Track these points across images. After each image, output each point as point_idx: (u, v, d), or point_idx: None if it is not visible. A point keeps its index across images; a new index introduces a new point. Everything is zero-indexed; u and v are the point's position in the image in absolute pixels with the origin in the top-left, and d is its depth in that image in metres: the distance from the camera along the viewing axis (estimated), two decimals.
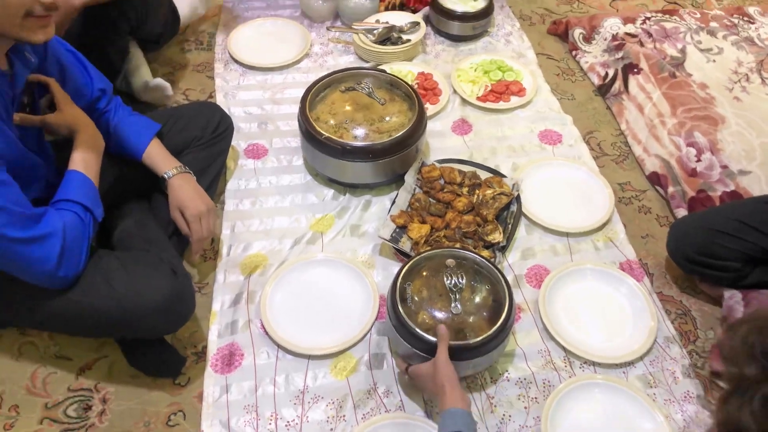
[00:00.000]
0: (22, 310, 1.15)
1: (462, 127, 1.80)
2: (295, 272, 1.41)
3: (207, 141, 1.48)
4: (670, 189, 1.61)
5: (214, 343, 1.29)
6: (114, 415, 1.20)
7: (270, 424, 1.18)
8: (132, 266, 1.15)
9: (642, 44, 1.97)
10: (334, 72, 1.66)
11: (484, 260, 1.28)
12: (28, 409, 1.20)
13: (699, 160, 1.62)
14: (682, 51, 1.95)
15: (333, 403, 1.21)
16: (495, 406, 1.22)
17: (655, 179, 1.66)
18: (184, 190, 1.30)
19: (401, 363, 1.19)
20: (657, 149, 1.69)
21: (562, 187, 1.62)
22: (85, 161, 1.15)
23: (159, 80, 1.73)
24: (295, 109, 1.61)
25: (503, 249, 1.46)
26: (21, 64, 1.07)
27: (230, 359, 1.27)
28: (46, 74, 1.17)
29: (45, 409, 1.20)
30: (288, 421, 1.19)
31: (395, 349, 1.26)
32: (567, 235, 1.52)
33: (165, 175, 1.30)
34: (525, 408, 1.22)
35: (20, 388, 1.23)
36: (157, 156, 1.31)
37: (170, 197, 1.30)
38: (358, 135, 1.54)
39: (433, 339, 1.15)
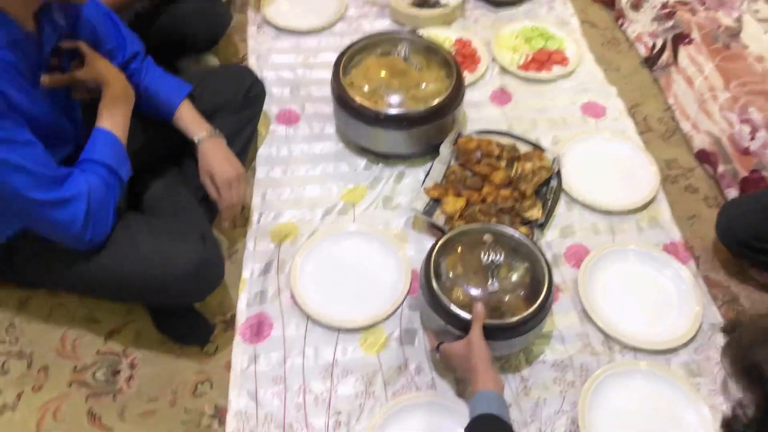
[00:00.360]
0: (49, 271, 1.14)
1: (501, 97, 1.72)
2: (326, 243, 1.37)
3: (238, 105, 1.44)
4: (720, 168, 1.52)
5: (243, 312, 1.27)
6: (141, 381, 1.19)
7: (298, 397, 1.16)
8: (160, 232, 1.12)
9: (694, 13, 1.85)
10: (370, 36, 1.60)
11: (522, 237, 1.23)
12: (57, 372, 1.19)
13: (753, 138, 1.53)
14: (738, 20, 1.83)
15: (362, 378, 1.19)
16: (530, 388, 1.18)
17: (704, 157, 1.57)
18: (214, 154, 1.26)
19: (433, 340, 1.15)
20: (707, 125, 1.60)
21: (604, 163, 1.55)
22: (113, 117, 1.12)
23: (210, 57, 1.71)
24: (329, 74, 1.55)
25: (542, 226, 1.40)
26: (49, 28, 1.03)
27: (259, 329, 1.25)
28: (78, 37, 1.13)
29: (74, 372, 1.19)
30: (316, 395, 1.16)
31: (427, 325, 1.22)
32: (609, 213, 1.45)
33: (195, 139, 1.26)
34: (561, 392, 1.17)
35: (50, 350, 1.22)
36: (188, 118, 1.27)
37: (200, 162, 1.27)
38: (393, 102, 1.48)
39: (467, 316, 1.10)
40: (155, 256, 1.08)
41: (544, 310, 1.15)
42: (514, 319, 1.12)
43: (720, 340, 1.25)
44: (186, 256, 1.10)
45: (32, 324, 1.26)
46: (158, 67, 1.30)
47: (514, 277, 1.18)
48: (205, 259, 1.12)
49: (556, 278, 1.33)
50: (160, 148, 1.34)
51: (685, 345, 1.23)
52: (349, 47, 1.56)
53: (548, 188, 1.47)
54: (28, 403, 1.15)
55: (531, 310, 1.13)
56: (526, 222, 1.40)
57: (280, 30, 1.86)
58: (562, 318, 1.28)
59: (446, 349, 1.10)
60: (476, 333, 1.06)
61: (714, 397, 1.17)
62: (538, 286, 1.16)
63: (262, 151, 1.56)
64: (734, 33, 1.80)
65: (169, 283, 1.09)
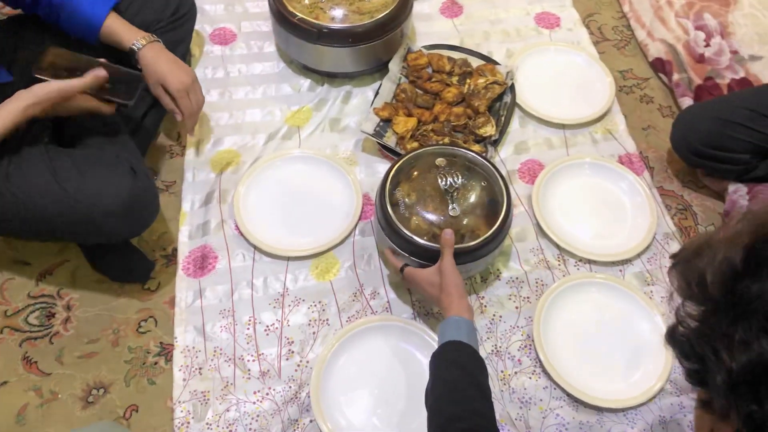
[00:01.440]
0: None
1: (451, 9, 1.63)
2: (270, 170, 1.29)
3: (167, 25, 1.31)
4: (675, 76, 1.49)
5: (185, 245, 1.20)
6: (80, 322, 1.12)
7: (248, 329, 1.12)
8: (86, 166, 1.03)
9: None
10: None
11: (476, 156, 1.17)
12: None
13: (708, 45, 1.49)
14: None
15: (315, 306, 1.15)
16: (485, 306, 1.16)
17: (659, 66, 1.53)
18: (161, 61, 1.15)
19: (396, 261, 1.10)
20: (662, 33, 1.55)
21: (559, 76, 1.50)
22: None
23: None
24: None
25: (495, 143, 1.35)
26: None
27: (203, 262, 1.18)
28: None
29: (4, 317, 1.12)
30: (267, 326, 1.12)
31: (383, 249, 1.17)
32: (563, 127, 1.41)
33: (134, 47, 1.13)
34: (516, 308, 1.16)
35: None
36: (120, 27, 1.14)
37: (146, 72, 1.14)
38: (336, 16, 1.38)
39: (430, 245, 1.05)
40: (81, 192, 0.99)
41: (504, 229, 1.11)
42: (477, 241, 1.07)
43: (673, 248, 1.25)
44: (115, 191, 1.01)
45: None
46: None
47: (472, 198, 1.13)
48: (137, 193, 1.04)
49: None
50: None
51: (639, 255, 1.23)
52: None
53: (501, 104, 1.42)
54: None
55: (492, 230, 1.08)
56: (480, 140, 1.35)
57: None
58: (517, 235, 1.25)
59: (412, 274, 1.06)
60: (448, 260, 1.01)
61: (666, 304, 1.17)
62: (496, 206, 1.12)
63: (197, 74, 1.42)
64: None
65: (98, 220, 1.01)
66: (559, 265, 1.22)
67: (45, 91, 0.98)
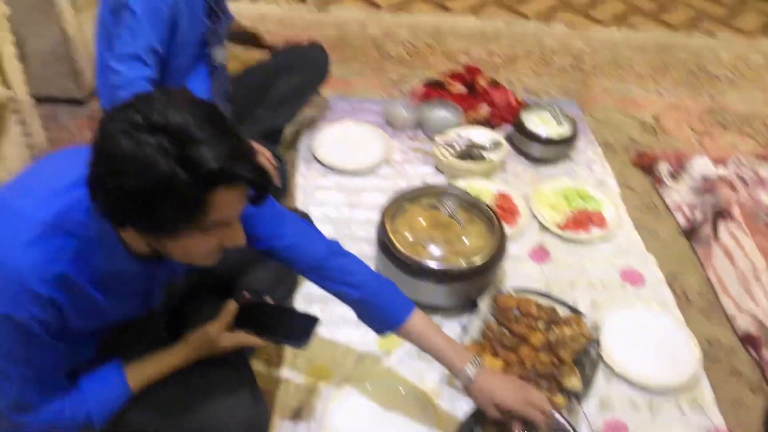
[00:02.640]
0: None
1: (540, 254, 1.74)
2: (358, 392, 1.34)
3: None
4: (765, 354, 1.49)
5: None
6: None
7: None
8: (214, 389, 1.06)
9: (734, 189, 1.90)
10: (416, 188, 1.66)
11: (562, 421, 1.16)
12: None
13: None
14: None
15: None
16: None
17: (748, 340, 1.54)
18: (495, 381, 1.12)
19: None
20: (750, 307, 1.59)
21: (644, 335, 1.52)
22: (150, 374, 1.04)
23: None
24: (371, 214, 1.60)
25: (580, 397, 1.36)
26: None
27: None
28: None
29: None
30: None
31: None
32: (648, 389, 1.41)
33: (468, 372, 1.12)
34: None
35: None
36: (445, 346, 1.13)
37: (479, 394, 1.12)
38: (436, 255, 1.51)
39: None
40: (209, 417, 1.03)
41: None
42: None
43: None
44: (239, 418, 1.05)
45: None
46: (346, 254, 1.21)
47: None
48: (256, 421, 1.08)
49: None
50: (209, 275, 1.25)
51: None
52: (397, 197, 1.61)
53: (586, 356, 1.45)
54: None
55: None
56: (564, 390, 1.36)
57: (328, 168, 1.95)
58: None
59: None
60: None
61: None
62: None
63: (303, 288, 1.57)
64: None
65: None
66: None
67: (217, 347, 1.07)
